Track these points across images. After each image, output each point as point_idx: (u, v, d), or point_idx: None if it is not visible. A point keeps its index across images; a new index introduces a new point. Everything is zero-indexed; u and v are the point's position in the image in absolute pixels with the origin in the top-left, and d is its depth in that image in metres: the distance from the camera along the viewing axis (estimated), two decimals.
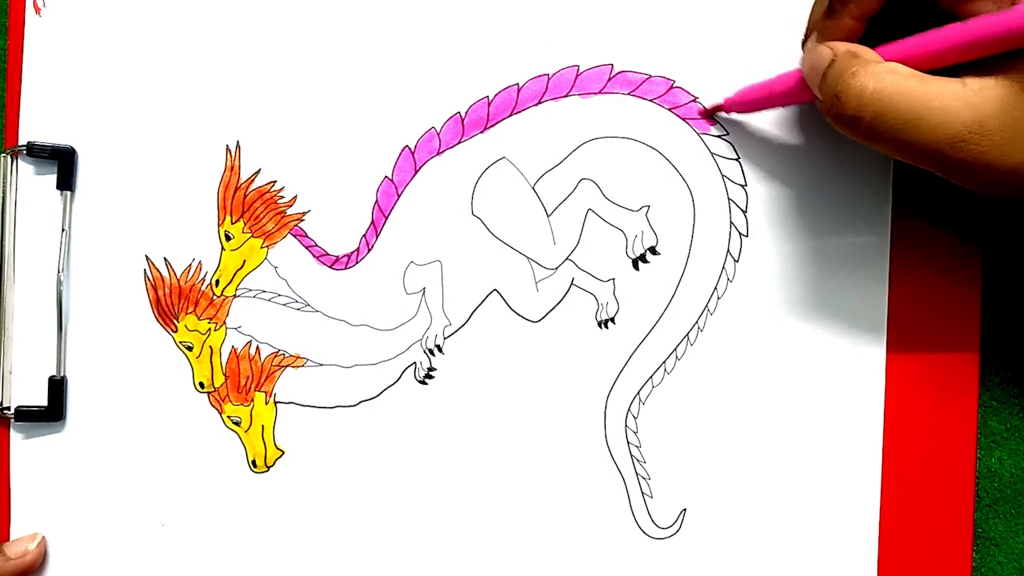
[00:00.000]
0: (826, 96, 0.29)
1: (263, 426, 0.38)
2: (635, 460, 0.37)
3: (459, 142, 0.37)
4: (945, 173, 0.29)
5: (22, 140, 0.38)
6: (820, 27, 0.31)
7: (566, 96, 0.37)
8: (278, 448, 0.38)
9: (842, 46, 0.30)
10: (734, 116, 0.36)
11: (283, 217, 0.38)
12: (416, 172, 0.38)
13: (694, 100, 0.37)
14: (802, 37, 0.33)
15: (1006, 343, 0.36)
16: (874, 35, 0.30)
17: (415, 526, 0.38)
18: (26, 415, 0.38)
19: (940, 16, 0.29)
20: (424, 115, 0.37)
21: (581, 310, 0.37)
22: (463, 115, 0.37)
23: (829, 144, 0.36)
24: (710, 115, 0.37)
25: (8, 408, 0.38)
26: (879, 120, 0.28)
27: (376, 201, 0.38)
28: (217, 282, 0.38)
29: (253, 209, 0.38)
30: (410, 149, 0.38)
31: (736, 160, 0.37)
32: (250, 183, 0.38)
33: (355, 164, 0.38)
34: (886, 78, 0.28)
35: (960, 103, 0.27)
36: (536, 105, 0.37)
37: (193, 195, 0.38)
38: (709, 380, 0.37)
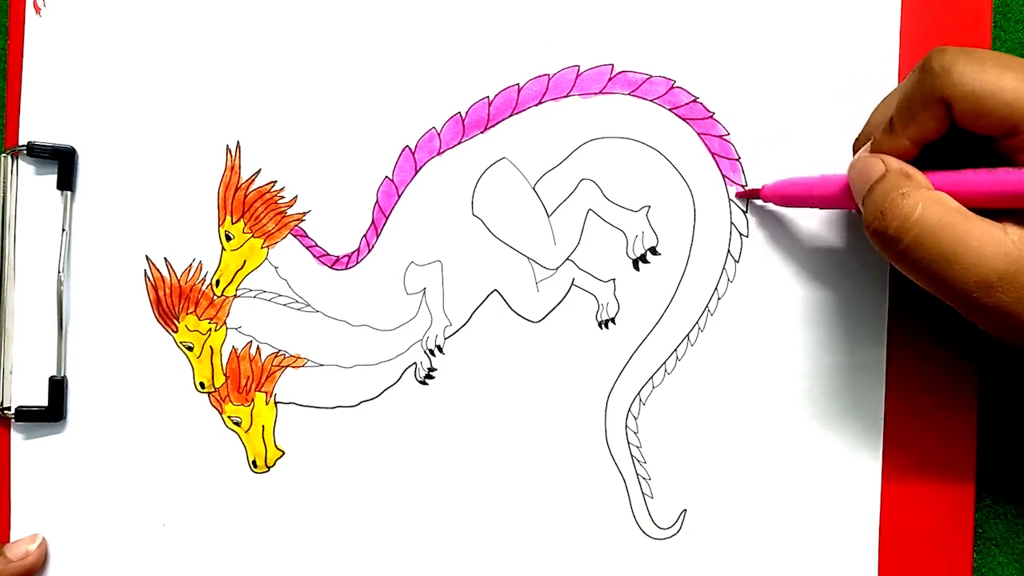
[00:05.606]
0: (869, 210, 0.29)
1: (263, 426, 0.38)
2: (635, 460, 0.37)
3: (459, 142, 0.37)
4: (966, 313, 0.28)
5: (22, 140, 0.38)
6: (876, 139, 0.31)
7: (566, 96, 0.37)
8: (278, 448, 0.38)
9: (895, 163, 0.29)
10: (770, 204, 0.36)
11: (283, 217, 0.38)
12: (416, 172, 0.38)
13: (695, 100, 0.37)
14: (854, 139, 0.33)
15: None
16: (926, 159, 0.30)
17: (415, 526, 0.38)
18: (26, 415, 0.38)
19: (994, 157, 0.29)
20: (424, 115, 0.37)
21: (581, 310, 0.37)
22: (463, 115, 0.37)
23: (830, 146, 0.36)
24: (747, 197, 0.36)
25: (8, 408, 0.38)
26: (916, 247, 0.27)
27: (376, 201, 0.38)
28: (217, 282, 0.38)
29: (253, 209, 0.38)
30: (410, 149, 0.38)
31: (736, 160, 0.37)
32: (250, 183, 0.38)
33: (355, 164, 0.38)
34: (932, 207, 0.27)
35: (998, 250, 0.27)
36: (536, 105, 0.37)
37: (193, 195, 0.38)
38: (709, 380, 0.37)
